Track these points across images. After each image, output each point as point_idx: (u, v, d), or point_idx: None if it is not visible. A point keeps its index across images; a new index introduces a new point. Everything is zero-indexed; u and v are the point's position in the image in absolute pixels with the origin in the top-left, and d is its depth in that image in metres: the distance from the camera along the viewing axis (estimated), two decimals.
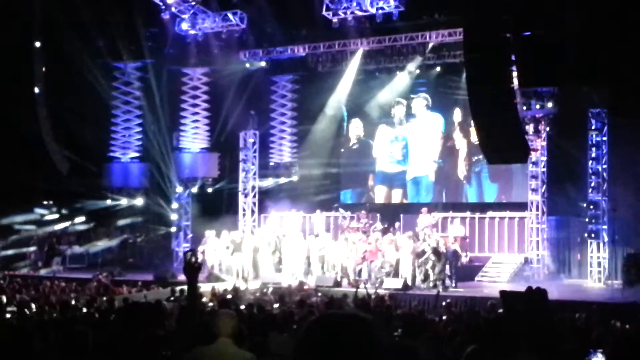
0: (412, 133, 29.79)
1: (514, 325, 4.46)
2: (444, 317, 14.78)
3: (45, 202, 31.09)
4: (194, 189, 30.62)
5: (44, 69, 27.55)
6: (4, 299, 16.72)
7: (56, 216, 31.23)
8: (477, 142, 23.09)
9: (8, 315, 13.57)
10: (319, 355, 2.53)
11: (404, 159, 29.91)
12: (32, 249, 30.22)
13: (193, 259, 6.08)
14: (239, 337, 6.71)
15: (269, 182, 31.07)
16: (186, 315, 7.37)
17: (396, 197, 30.16)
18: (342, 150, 31.38)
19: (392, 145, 30.20)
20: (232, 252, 26.01)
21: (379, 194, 30.42)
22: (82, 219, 31.31)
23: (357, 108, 30.73)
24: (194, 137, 31.11)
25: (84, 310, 14.85)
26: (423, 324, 10.66)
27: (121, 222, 31.14)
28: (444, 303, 18.34)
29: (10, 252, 29.41)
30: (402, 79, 28.83)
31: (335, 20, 27.15)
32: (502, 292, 4.36)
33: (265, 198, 30.59)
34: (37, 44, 27.24)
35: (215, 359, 6.03)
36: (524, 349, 5.32)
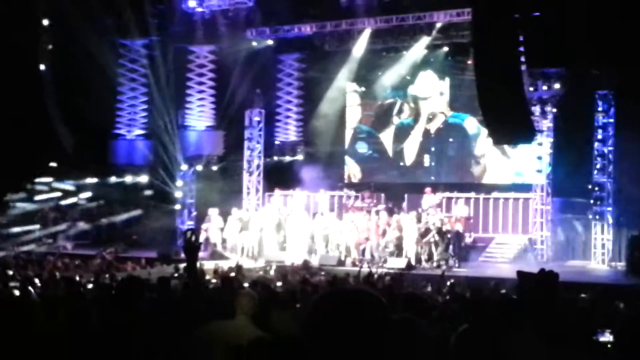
0: (419, 112, 29.69)
1: (523, 304, 4.47)
2: (447, 297, 14.82)
3: (50, 179, 31.09)
4: (199, 167, 30.64)
5: (50, 46, 27.54)
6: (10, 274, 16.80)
7: (60, 193, 31.26)
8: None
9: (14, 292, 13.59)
10: (328, 330, 2.54)
11: (407, 140, 29.82)
12: (37, 225, 30.29)
13: (193, 238, 6.09)
14: (257, 317, 6.83)
15: (274, 161, 31.04)
16: (188, 293, 7.41)
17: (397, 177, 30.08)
18: (347, 130, 31.28)
19: (397, 127, 30.14)
20: (240, 230, 26.08)
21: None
22: (86, 195, 31.36)
23: (363, 88, 30.64)
24: (199, 115, 31.10)
25: (88, 286, 14.89)
26: (426, 303, 10.66)
27: (126, 199, 31.16)
28: (448, 283, 18.37)
29: (15, 228, 29.47)
30: (408, 59, 28.68)
31: None
32: (519, 272, 4.40)
33: (270, 177, 30.56)
34: (45, 22, 27.22)
35: (232, 334, 6.10)
36: (525, 329, 5.31)
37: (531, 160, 26.23)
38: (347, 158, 31.15)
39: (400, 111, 30.10)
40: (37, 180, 30.57)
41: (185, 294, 9.05)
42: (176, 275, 18.29)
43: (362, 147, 30.89)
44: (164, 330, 6.70)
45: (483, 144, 28.09)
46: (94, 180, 31.10)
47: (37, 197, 30.98)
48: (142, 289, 7.92)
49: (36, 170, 28.89)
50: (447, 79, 28.87)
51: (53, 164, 29.10)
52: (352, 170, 31.06)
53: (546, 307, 4.28)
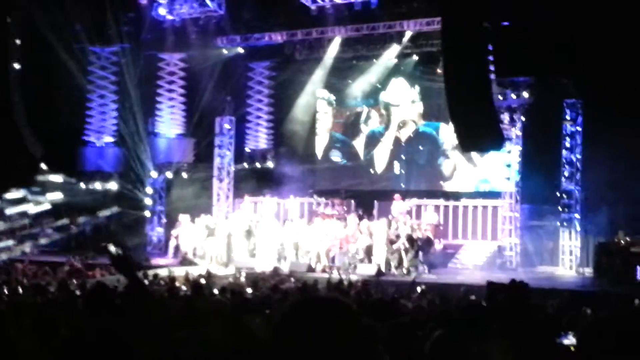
0: (389, 121, 29.81)
1: (493, 313, 4.53)
2: (417, 303, 14.87)
3: (18, 185, 30.81)
4: (169, 174, 30.57)
5: (19, 53, 27.38)
6: None
7: (29, 199, 30.98)
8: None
9: None
10: (300, 338, 2.55)
11: (377, 147, 29.92)
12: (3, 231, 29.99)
13: (114, 249, 5.97)
14: (228, 324, 6.80)
15: (244, 168, 31.01)
16: (140, 302, 7.33)
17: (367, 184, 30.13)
18: (317, 137, 31.33)
19: (368, 136, 30.25)
20: (207, 236, 26.05)
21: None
22: (55, 201, 31.12)
23: (333, 96, 30.73)
24: (170, 122, 31.07)
25: (56, 293, 14.79)
26: (395, 310, 10.72)
27: (95, 207, 30.98)
28: (418, 289, 18.45)
29: None
30: (378, 68, 28.82)
31: (313, 7, 27.17)
32: (489, 282, 4.47)
33: (240, 183, 30.54)
34: (14, 31, 27.09)
35: (202, 342, 6.08)
36: (496, 335, 5.38)
37: (498, 168, 26.43)
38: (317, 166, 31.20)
39: (368, 118, 30.21)
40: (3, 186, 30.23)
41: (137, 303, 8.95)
42: (146, 282, 18.21)
43: (336, 156, 30.92)
44: (135, 338, 6.68)
45: (451, 148, 28.29)
46: (63, 186, 30.86)
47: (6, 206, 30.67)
48: (111, 296, 7.89)
49: (3, 177, 28.54)
50: (417, 87, 29.00)
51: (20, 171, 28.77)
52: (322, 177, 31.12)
53: (515, 314, 4.35)
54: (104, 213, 30.38)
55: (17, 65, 27.22)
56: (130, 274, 6.27)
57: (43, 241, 29.72)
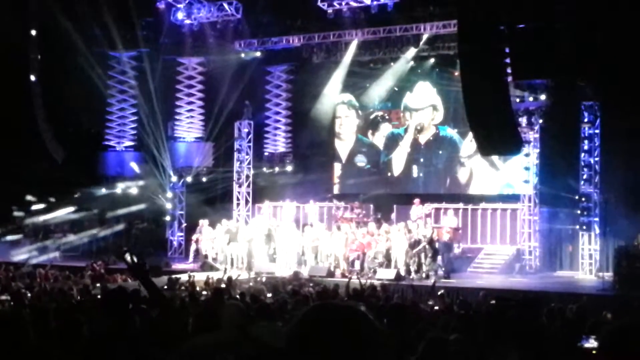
0: (408, 124, 29.82)
1: (503, 327, 4.57)
2: (436, 308, 14.91)
3: (40, 190, 31.06)
4: (189, 178, 30.70)
5: (39, 57, 27.62)
6: None
7: (51, 204, 31.23)
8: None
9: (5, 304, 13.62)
10: (311, 346, 2.55)
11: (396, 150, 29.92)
12: (27, 237, 30.23)
13: (134, 258, 6.07)
14: (244, 328, 6.83)
15: (263, 172, 31.10)
16: (162, 310, 7.37)
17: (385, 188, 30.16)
18: (341, 142, 31.37)
19: (387, 137, 30.27)
20: (229, 241, 26.13)
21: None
22: (76, 207, 31.35)
23: (353, 98, 30.77)
24: (188, 127, 31.25)
25: (79, 298, 14.93)
26: (415, 314, 10.77)
27: (115, 211, 31.18)
28: (439, 293, 18.46)
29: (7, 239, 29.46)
30: (396, 71, 28.83)
31: (330, 11, 27.28)
32: (497, 298, 4.52)
33: (259, 188, 30.63)
34: (33, 32, 27.30)
35: (217, 347, 6.13)
36: (509, 344, 5.44)
37: (519, 171, 26.36)
38: (337, 168, 31.24)
39: (386, 121, 30.22)
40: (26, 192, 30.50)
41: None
42: (166, 287, 18.34)
43: (362, 161, 30.92)
44: (154, 342, 6.76)
45: (467, 156, 28.33)
46: (84, 191, 31.09)
47: (26, 209, 30.94)
48: (132, 300, 7.97)
49: (26, 182, 28.78)
50: (440, 91, 28.91)
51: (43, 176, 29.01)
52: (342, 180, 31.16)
53: (530, 324, 4.40)
54: (122, 226, 30.59)
55: (37, 74, 27.46)
56: (146, 280, 6.39)
57: (65, 247, 29.93)
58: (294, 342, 2.60)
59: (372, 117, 30.68)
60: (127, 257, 6.06)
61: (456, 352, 5.27)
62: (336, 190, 30.93)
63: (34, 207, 30.85)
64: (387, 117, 30.32)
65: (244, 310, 6.98)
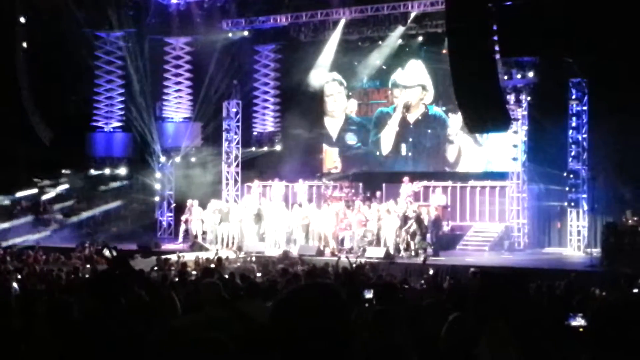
0: (397, 103, 29.79)
1: (489, 303, 4.59)
2: (425, 286, 14.98)
3: (28, 172, 30.95)
4: (177, 159, 30.65)
5: (24, 44, 27.48)
6: None
7: (39, 186, 31.15)
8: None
9: None
10: (289, 324, 2.69)
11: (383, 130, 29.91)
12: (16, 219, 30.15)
13: (107, 253, 6.14)
14: (224, 305, 6.85)
15: (252, 152, 31.07)
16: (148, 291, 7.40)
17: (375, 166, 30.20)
18: (332, 119, 31.32)
19: (377, 115, 30.25)
20: (220, 221, 26.11)
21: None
22: (65, 188, 31.28)
23: (342, 76, 30.71)
24: (177, 107, 31.18)
25: (68, 279, 14.92)
26: (402, 292, 10.82)
27: (104, 192, 31.14)
28: (430, 271, 18.55)
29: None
30: (384, 49, 28.77)
31: None
32: (483, 273, 4.53)
33: (248, 167, 30.61)
34: (22, 20, 27.17)
35: (204, 325, 6.15)
36: (501, 318, 5.47)
37: (504, 148, 26.41)
38: (326, 147, 31.21)
39: (377, 99, 30.20)
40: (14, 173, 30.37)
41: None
42: (156, 267, 18.37)
43: (352, 139, 30.88)
44: (145, 323, 6.77)
45: (455, 134, 28.35)
46: (72, 173, 31.03)
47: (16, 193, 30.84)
48: (122, 281, 7.97)
49: (13, 164, 28.68)
50: (431, 69, 28.81)
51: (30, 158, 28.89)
52: (330, 159, 31.10)
53: (512, 305, 4.42)
54: (111, 206, 30.57)
55: (23, 55, 27.28)
56: (127, 268, 6.44)
57: (53, 228, 29.87)
58: (274, 321, 2.75)
59: (363, 94, 30.61)
60: (106, 252, 6.12)
61: (455, 330, 5.31)
62: (325, 169, 30.90)
63: (23, 190, 30.75)
64: (376, 95, 30.28)
65: (219, 286, 6.98)
